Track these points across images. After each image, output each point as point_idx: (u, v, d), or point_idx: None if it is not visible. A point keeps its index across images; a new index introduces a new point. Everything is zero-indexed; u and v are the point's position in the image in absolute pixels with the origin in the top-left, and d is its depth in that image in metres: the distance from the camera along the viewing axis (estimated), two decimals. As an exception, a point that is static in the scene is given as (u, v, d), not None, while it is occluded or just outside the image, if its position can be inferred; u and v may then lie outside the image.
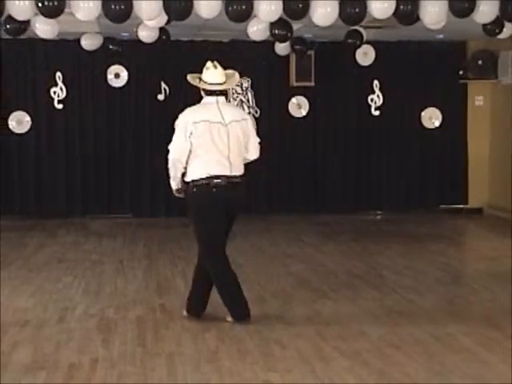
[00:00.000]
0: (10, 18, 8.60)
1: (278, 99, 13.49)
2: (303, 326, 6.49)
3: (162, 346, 5.93)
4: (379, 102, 13.67)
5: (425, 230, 11.97)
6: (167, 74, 13.09)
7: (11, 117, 12.82)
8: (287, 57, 12.91)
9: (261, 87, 13.44)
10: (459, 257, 10.48)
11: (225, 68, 6.80)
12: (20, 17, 8.34)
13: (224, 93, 6.68)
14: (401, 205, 13.67)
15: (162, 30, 10.49)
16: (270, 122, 13.48)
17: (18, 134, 12.88)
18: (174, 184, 6.69)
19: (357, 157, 13.68)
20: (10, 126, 12.84)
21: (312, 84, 13.21)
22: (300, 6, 8.22)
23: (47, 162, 13.04)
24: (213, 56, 12.67)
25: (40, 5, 7.94)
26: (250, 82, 13.41)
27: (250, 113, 13.39)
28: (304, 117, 13.57)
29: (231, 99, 13.34)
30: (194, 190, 6.47)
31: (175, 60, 13.01)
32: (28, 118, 12.88)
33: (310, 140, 13.64)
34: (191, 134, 6.42)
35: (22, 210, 12.96)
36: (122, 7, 8.07)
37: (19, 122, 12.87)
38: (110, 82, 12.86)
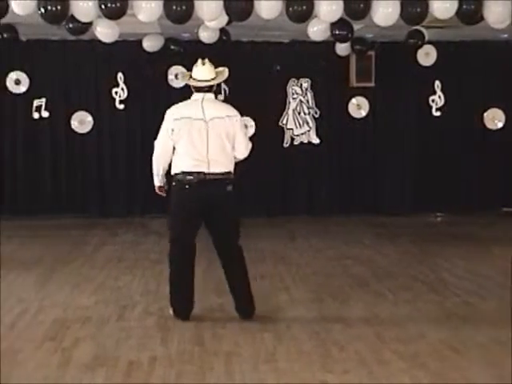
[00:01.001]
0: (73, 18, 8.72)
1: (338, 100, 13.43)
2: (361, 328, 6.45)
3: (220, 346, 5.95)
4: (440, 102, 13.53)
5: (486, 233, 11.78)
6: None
7: (73, 117, 13.02)
8: (347, 57, 12.86)
9: (321, 88, 13.40)
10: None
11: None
12: (83, 18, 8.46)
13: (213, 90, 6.64)
14: (462, 207, 13.48)
15: (222, 30, 10.56)
16: (330, 123, 13.46)
17: (80, 134, 13.06)
18: (157, 181, 6.75)
19: (417, 158, 13.56)
20: (73, 126, 13.04)
21: (372, 84, 13.13)
22: (361, 6, 8.19)
23: (109, 161, 13.20)
24: (273, 56, 12.99)
25: (103, 6, 8.04)
26: (309, 82, 13.38)
27: (309, 113, 13.38)
28: (364, 117, 13.50)
29: (291, 99, 13.34)
30: (173, 184, 6.54)
31: (235, 60, 13.03)
32: (90, 118, 13.06)
33: (369, 141, 13.56)
34: (172, 130, 6.47)
35: (83, 208, 13.15)
36: (184, 8, 8.13)
37: (81, 122, 13.05)
38: (170, 83, 12.96)
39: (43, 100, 13.01)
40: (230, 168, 6.55)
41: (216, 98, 6.79)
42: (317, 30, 9.72)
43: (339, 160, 13.49)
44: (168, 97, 12.81)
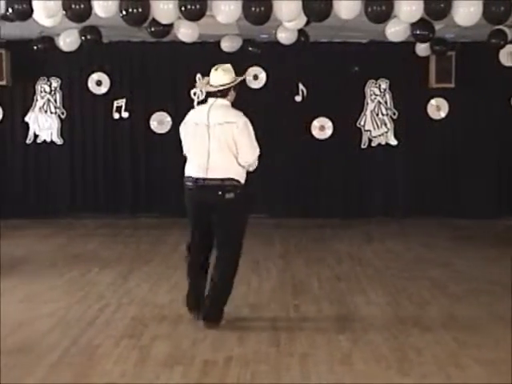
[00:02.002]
0: (155, 22, 8.84)
1: (417, 101, 13.28)
2: (439, 332, 6.36)
3: (296, 347, 5.94)
4: (523, 104, 13.26)
5: None
6: (305, 76, 13.12)
7: (153, 117, 13.19)
8: (427, 58, 12.70)
9: (399, 89, 13.27)
10: None
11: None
12: (163, 20, 8.56)
13: (227, 95, 6.56)
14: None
15: (300, 31, 10.54)
16: (408, 124, 13.31)
17: (159, 134, 13.22)
18: None
19: (498, 160, 13.31)
20: (152, 127, 13.21)
21: (452, 85, 12.94)
22: (442, 5, 8.08)
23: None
24: (351, 57, 12.91)
25: (183, 8, 8.13)
26: (388, 83, 13.27)
27: (387, 114, 13.27)
28: (443, 119, 13.31)
29: (369, 100, 13.25)
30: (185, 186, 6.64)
31: (313, 61, 13.03)
32: (169, 119, 13.20)
33: (448, 142, 13.37)
34: (183, 134, 6.67)
35: (163, 208, 13.29)
36: (262, 9, 8.15)
37: (160, 122, 13.21)
38: (248, 84, 13.01)
39: (123, 101, 13.22)
40: (232, 175, 6.36)
41: (228, 103, 6.62)
42: (395, 31, 9.62)
43: (417, 162, 13.34)
44: (246, 97, 12.86)
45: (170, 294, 7.69)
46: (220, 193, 6.32)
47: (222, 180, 6.32)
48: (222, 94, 6.52)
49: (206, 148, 6.37)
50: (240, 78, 6.66)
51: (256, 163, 6.52)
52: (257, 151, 6.46)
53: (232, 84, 6.54)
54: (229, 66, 6.64)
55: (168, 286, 8.07)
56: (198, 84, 6.95)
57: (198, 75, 12.84)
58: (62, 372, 5.34)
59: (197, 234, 6.64)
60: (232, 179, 6.35)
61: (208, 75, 6.68)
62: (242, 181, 6.43)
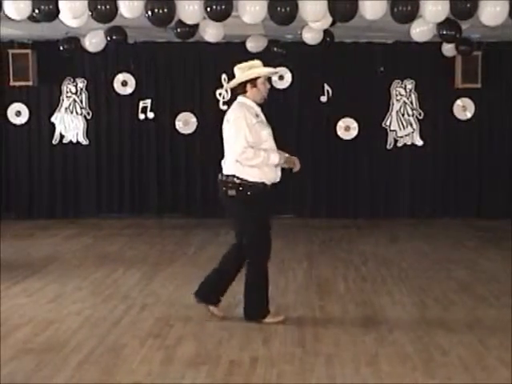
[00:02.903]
0: (180, 23, 8.87)
1: (443, 101, 13.23)
2: (465, 333, 6.33)
3: (321, 347, 5.93)
4: (549, 103, 13.16)
5: None
6: (330, 76, 13.10)
7: (178, 117, 13.23)
8: (453, 58, 12.64)
9: (425, 89, 13.22)
10: None
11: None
12: (189, 20, 8.58)
13: (241, 92, 6.57)
14: None
15: (326, 31, 10.52)
16: (434, 125, 13.28)
17: (184, 135, 13.26)
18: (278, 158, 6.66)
19: (524, 160, 13.24)
20: (177, 127, 13.25)
21: (478, 86, 12.87)
22: (468, 5, 8.04)
23: (212, 162, 13.30)
24: (377, 57, 12.87)
25: (208, 9, 8.15)
26: (414, 83, 13.22)
27: (413, 115, 13.22)
28: (469, 119, 13.24)
29: (394, 101, 13.21)
30: None
31: (339, 62, 13.02)
32: (194, 119, 13.24)
33: (475, 143, 13.30)
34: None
35: (188, 208, 13.33)
36: (288, 9, 8.15)
37: (186, 122, 13.25)
38: (273, 84, 12.99)
39: (149, 101, 13.28)
40: (233, 171, 6.39)
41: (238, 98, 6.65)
42: (420, 31, 9.57)
43: (443, 162, 13.29)
44: (271, 98, 12.86)
45: (196, 294, 7.70)
46: (224, 189, 6.45)
47: (227, 176, 6.43)
48: (240, 91, 6.58)
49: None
50: (252, 74, 6.52)
51: (256, 159, 6.31)
52: (240, 148, 6.30)
53: (238, 81, 6.55)
54: (249, 63, 6.60)
55: (193, 286, 8.05)
56: (225, 84, 6.94)
57: (224, 76, 12.86)
58: (88, 371, 5.36)
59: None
60: (233, 176, 6.38)
61: (233, 75, 6.69)
62: (250, 178, 6.36)
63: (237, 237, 6.70)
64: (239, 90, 6.57)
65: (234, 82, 6.60)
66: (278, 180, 6.57)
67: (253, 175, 6.37)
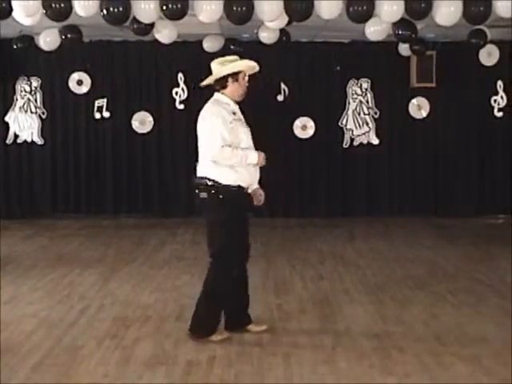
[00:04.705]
0: (135, 20, 8.82)
1: (399, 100, 13.34)
2: (422, 331, 6.38)
3: (279, 347, 5.94)
4: (503, 102, 13.33)
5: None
6: (287, 75, 13.13)
7: (134, 117, 13.16)
8: (408, 57, 12.75)
9: (381, 88, 13.31)
10: None
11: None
12: (145, 19, 8.54)
13: (219, 89, 6.20)
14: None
15: (282, 31, 10.55)
16: (390, 124, 13.38)
17: (141, 134, 13.20)
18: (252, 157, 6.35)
19: (479, 159, 13.40)
20: (133, 126, 13.18)
21: (433, 85, 13.00)
22: (422, 5, 8.11)
23: (169, 161, 13.30)
24: (332, 57, 12.92)
25: (164, 7, 8.11)
26: (369, 82, 13.30)
27: (369, 114, 13.31)
28: (424, 118, 13.37)
29: (350, 100, 13.28)
30: None
31: (295, 61, 13.05)
32: (150, 118, 13.18)
33: (430, 141, 13.44)
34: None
35: (145, 208, 13.28)
36: (244, 9, 8.16)
37: (142, 122, 13.18)
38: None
39: (104, 100, 13.18)
40: (206, 173, 6.04)
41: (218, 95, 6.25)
42: (374, 31, 9.62)
43: (399, 161, 13.41)
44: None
45: (153, 294, 7.67)
46: (197, 191, 6.11)
47: (200, 178, 6.08)
48: (219, 86, 6.20)
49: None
50: (236, 67, 6.21)
51: (234, 158, 6.03)
52: (216, 147, 5.99)
53: (221, 74, 6.14)
54: (229, 57, 6.31)
55: (151, 286, 8.04)
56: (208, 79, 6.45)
57: (180, 75, 12.83)
58: (45, 373, 5.31)
59: None
60: (205, 178, 6.04)
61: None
62: (223, 180, 6.02)
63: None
64: (218, 86, 6.20)
65: (215, 76, 6.18)
66: (255, 181, 6.33)
67: (227, 177, 6.04)
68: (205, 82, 6.31)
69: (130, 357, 5.66)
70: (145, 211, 13.25)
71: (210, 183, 6.03)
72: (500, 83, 13.25)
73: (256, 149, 6.34)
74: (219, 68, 6.18)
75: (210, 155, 6.05)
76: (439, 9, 8.13)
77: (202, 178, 6.07)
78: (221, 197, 6.03)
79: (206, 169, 6.08)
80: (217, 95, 6.24)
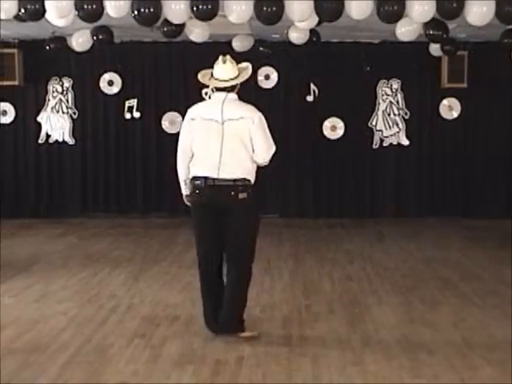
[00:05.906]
0: (167, 22, 8.86)
1: (429, 101, 13.27)
2: (450, 332, 6.35)
3: (307, 347, 5.94)
4: (534, 103, 13.22)
5: None
6: (317, 76, 13.11)
7: (164, 117, 13.21)
8: (439, 58, 12.68)
9: (411, 89, 13.25)
10: None
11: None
12: (176, 20, 8.57)
13: (236, 89, 6.17)
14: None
15: (312, 31, 10.53)
16: (420, 124, 13.30)
17: (170, 134, 13.22)
18: (183, 188, 6.32)
19: (509, 160, 13.27)
20: (163, 126, 13.23)
21: (464, 85, 12.91)
22: (454, 5, 8.05)
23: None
24: (363, 57, 12.88)
25: (195, 8, 8.14)
26: (400, 83, 13.24)
27: (399, 114, 13.26)
28: (455, 119, 13.29)
29: (380, 100, 13.24)
30: (191, 188, 6.17)
31: (325, 61, 13.03)
32: (180, 119, 13.19)
33: (460, 142, 13.34)
34: (190, 131, 6.17)
35: (173, 208, 13.30)
36: (274, 9, 8.15)
37: (172, 122, 13.22)
38: (259, 84, 13.01)
39: (135, 101, 13.25)
40: (245, 175, 6.00)
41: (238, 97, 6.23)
42: (405, 31, 9.57)
43: (429, 162, 13.33)
44: (257, 98, 12.86)
45: (182, 293, 7.70)
46: (233, 193, 5.94)
47: (235, 180, 5.95)
48: (231, 88, 6.16)
49: (218, 146, 5.95)
50: (250, 68, 6.25)
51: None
52: (273, 148, 6.10)
53: (246, 76, 6.18)
54: (242, 64, 6.30)
55: (180, 285, 8.07)
56: (200, 79, 6.42)
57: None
58: (74, 371, 5.35)
59: (206, 242, 6.24)
60: (244, 179, 5.98)
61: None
62: (253, 180, 6.09)
63: (213, 247, 6.22)
64: (230, 88, 6.16)
65: (242, 78, 6.18)
66: None
67: (254, 176, 6.11)
68: (220, 84, 6.22)
69: (158, 356, 5.69)
70: (173, 211, 13.28)
71: (247, 183, 6.03)
72: (532, 84, 13.14)
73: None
74: (235, 69, 6.17)
75: (265, 156, 6.09)
76: (471, 9, 8.06)
77: (240, 179, 5.97)
78: (254, 196, 6.08)
79: (246, 169, 6.03)
80: (234, 95, 6.19)
